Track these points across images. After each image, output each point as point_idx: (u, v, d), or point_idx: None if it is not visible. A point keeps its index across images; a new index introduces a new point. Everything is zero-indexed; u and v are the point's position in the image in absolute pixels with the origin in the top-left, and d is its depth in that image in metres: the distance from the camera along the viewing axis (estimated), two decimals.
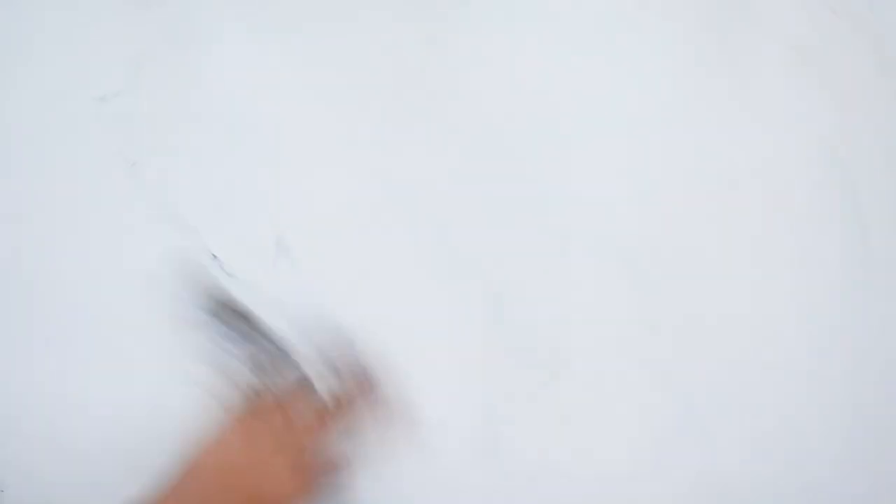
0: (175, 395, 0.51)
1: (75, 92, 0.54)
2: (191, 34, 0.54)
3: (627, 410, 0.52)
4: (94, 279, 0.55)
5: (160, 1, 0.53)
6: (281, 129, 0.54)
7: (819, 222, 0.53)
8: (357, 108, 0.54)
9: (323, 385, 0.48)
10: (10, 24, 0.54)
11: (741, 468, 0.52)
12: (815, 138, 0.52)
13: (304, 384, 0.48)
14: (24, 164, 0.55)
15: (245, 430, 0.44)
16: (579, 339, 0.52)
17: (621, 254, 0.53)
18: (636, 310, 0.53)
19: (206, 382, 0.50)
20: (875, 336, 0.53)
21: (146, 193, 0.54)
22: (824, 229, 0.53)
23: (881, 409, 0.53)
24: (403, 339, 0.51)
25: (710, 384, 0.53)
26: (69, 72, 0.54)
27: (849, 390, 0.53)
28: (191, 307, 0.50)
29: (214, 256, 0.52)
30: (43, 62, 0.54)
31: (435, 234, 0.53)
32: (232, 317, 0.50)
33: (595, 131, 0.53)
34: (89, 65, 0.54)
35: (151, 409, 0.52)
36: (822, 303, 0.53)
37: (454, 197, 0.53)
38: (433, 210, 0.53)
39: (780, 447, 0.53)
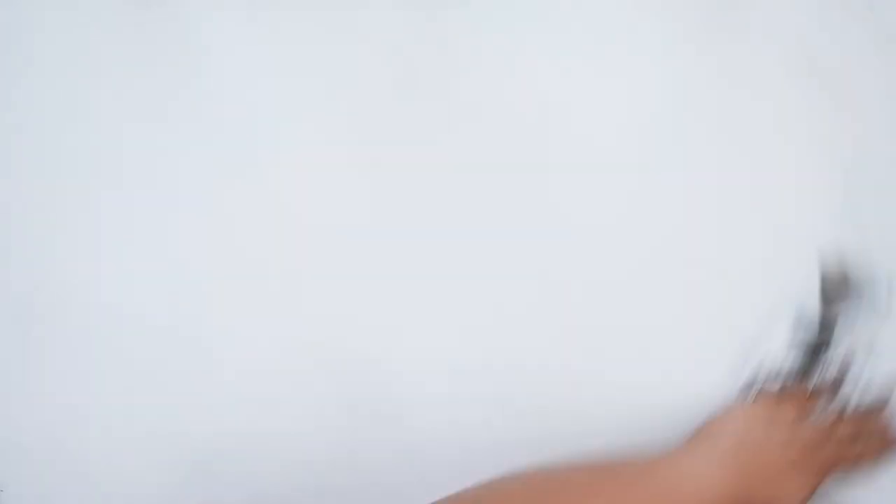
0: None
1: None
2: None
3: None
4: (102, 281, 0.55)
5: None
6: (279, 130, 0.54)
7: (820, 221, 0.53)
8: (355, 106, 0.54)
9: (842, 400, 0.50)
10: (9, 25, 0.54)
11: None
12: (816, 139, 0.53)
13: (826, 391, 0.49)
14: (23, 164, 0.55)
15: (769, 411, 0.46)
16: None
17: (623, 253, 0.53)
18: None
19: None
20: None
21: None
22: (825, 230, 0.53)
23: None
24: None
25: None
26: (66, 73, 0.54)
27: None
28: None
29: None
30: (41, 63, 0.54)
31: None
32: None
33: (594, 133, 0.53)
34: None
35: None
36: None
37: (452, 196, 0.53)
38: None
39: None
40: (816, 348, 0.50)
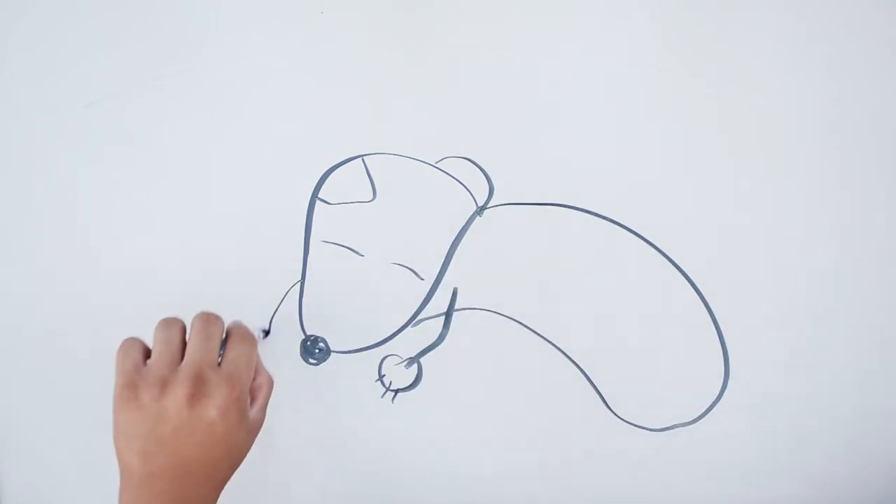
0: None
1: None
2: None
3: None
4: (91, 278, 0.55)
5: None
6: (276, 127, 0.54)
7: (820, 220, 0.53)
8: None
9: None
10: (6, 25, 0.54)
11: None
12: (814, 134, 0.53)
13: None
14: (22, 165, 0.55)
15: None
16: None
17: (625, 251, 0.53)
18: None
19: None
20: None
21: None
22: (826, 227, 0.53)
23: None
24: None
25: None
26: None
27: None
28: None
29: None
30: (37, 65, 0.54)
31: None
32: None
33: (590, 127, 0.53)
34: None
35: None
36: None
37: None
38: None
39: None
40: None
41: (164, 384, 0.44)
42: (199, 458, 0.44)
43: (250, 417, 0.46)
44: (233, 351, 0.46)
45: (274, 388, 0.50)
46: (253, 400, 0.48)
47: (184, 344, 0.46)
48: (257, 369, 0.49)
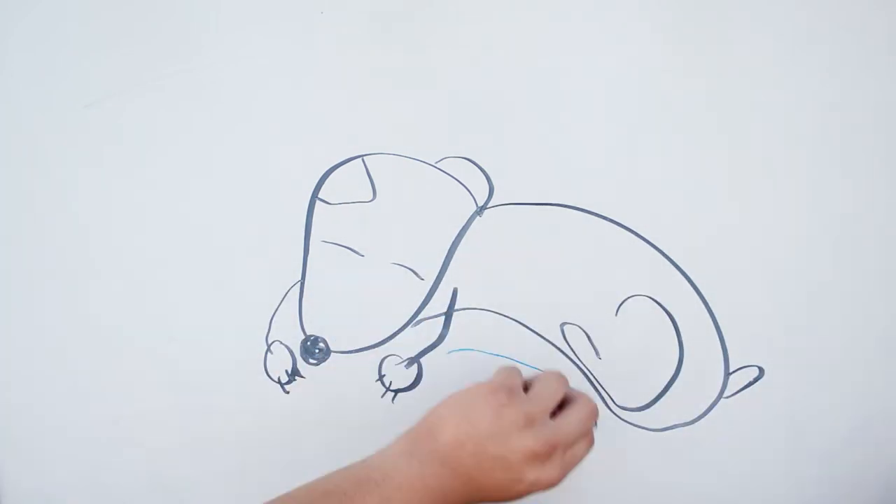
0: None
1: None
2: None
3: None
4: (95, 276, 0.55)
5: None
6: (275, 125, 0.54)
7: (820, 219, 0.53)
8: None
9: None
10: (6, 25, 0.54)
11: None
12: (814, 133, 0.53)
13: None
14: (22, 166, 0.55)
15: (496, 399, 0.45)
16: None
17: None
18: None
19: None
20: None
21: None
22: (826, 227, 0.53)
23: None
24: None
25: None
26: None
27: None
28: None
29: None
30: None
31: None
32: None
33: (590, 125, 0.53)
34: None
35: None
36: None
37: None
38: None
39: None
40: None
41: (529, 421, 0.44)
42: (484, 488, 0.43)
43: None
44: (578, 448, 0.46)
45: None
46: None
47: (562, 400, 0.47)
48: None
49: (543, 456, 0.43)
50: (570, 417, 0.46)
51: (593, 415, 0.47)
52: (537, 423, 0.44)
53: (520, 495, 0.44)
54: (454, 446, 0.43)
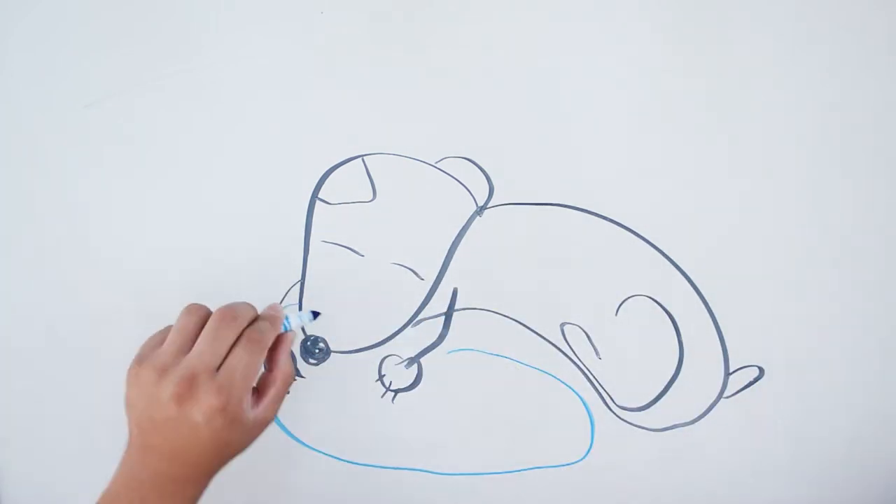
0: None
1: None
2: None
3: None
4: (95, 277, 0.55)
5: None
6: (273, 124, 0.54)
7: (820, 220, 0.53)
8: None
9: None
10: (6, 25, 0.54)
11: None
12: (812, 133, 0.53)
13: None
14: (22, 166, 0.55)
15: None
16: None
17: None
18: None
19: None
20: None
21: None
22: (826, 227, 0.53)
23: None
24: None
25: None
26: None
27: None
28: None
29: None
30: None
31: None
32: None
33: (592, 123, 0.53)
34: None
35: None
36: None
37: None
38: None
39: None
40: None
41: (162, 373, 0.44)
42: (186, 449, 0.44)
43: (251, 417, 0.46)
44: (234, 357, 0.46)
45: None
46: (261, 395, 0.48)
47: (198, 335, 0.46)
48: (276, 362, 0.49)
49: (186, 391, 0.43)
50: (201, 346, 0.45)
51: (226, 322, 0.46)
52: (169, 368, 0.44)
53: (214, 441, 0.44)
54: (137, 434, 0.45)
